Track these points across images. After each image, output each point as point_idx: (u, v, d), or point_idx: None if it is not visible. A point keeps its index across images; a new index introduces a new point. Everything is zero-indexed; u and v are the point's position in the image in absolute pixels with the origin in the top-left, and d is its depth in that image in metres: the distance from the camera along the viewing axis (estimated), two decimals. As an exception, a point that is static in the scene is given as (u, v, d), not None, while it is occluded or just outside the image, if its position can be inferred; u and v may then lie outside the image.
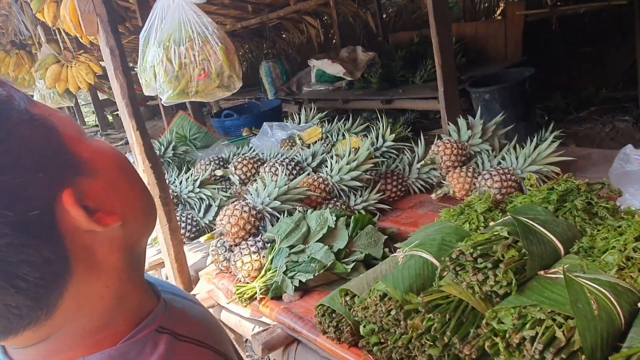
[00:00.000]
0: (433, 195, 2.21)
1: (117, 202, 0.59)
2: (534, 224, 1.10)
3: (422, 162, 2.29)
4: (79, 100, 9.48)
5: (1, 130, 0.49)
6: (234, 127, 5.01)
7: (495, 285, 0.98)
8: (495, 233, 1.07)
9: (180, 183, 2.57)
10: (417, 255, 1.24)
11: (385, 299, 1.15)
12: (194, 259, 2.20)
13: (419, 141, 2.46)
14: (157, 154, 3.38)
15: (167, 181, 2.72)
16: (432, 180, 2.34)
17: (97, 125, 8.53)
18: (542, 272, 1.01)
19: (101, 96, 8.37)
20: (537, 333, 0.86)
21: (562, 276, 0.99)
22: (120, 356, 0.57)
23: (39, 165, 0.51)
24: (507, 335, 0.89)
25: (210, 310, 2.01)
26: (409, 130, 3.61)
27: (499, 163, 2.16)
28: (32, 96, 3.85)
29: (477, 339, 0.96)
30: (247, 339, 2.20)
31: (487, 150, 2.28)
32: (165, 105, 1.88)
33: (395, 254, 1.40)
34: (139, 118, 1.75)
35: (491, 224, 1.24)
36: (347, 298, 1.33)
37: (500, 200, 1.48)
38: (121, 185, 0.61)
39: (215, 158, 2.91)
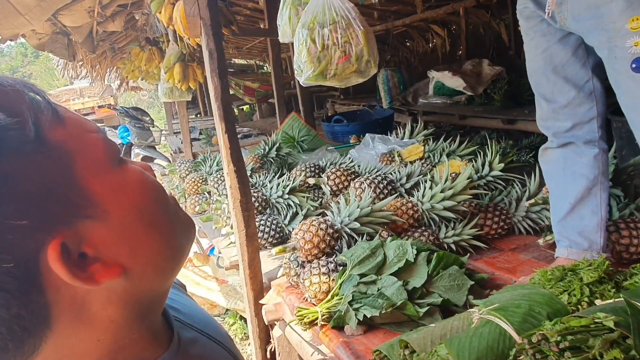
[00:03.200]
0: (541, 241, 1.90)
1: (124, 251, 0.51)
2: (656, 316, 0.83)
3: (533, 200, 1.98)
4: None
5: None
6: (342, 133, 4.98)
7: (586, 392, 0.75)
8: (597, 320, 0.82)
9: (272, 188, 2.57)
10: (494, 322, 1.02)
11: (445, 368, 0.97)
12: (271, 266, 2.17)
13: (533, 173, 2.15)
14: (262, 153, 3.48)
15: (260, 183, 2.76)
16: (542, 222, 2.02)
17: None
18: (657, 387, 0.75)
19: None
20: None
21: (688, 399, 0.73)
22: None
23: (25, 210, 0.44)
24: None
25: (276, 324, 1.96)
26: (530, 155, 3.23)
27: (631, 214, 1.78)
28: (157, 88, 4.25)
29: None
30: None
31: (619, 197, 1.89)
32: (303, 85, 1.90)
33: (471, 310, 1.19)
34: (229, 122, 1.76)
35: (597, 302, 0.98)
36: (407, 351, 1.17)
37: (616, 269, 1.18)
38: (135, 232, 0.52)
39: (312, 165, 2.87)
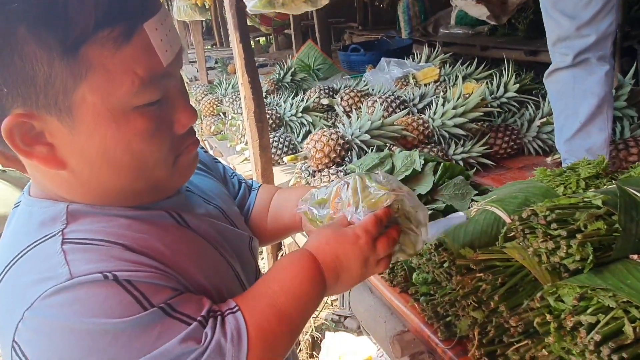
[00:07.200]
0: (549, 159, 1.93)
1: (73, 158, 0.56)
2: (644, 198, 0.87)
3: (545, 119, 1.99)
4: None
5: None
6: (359, 62, 4.89)
7: (567, 259, 0.81)
8: (585, 199, 0.87)
9: (285, 107, 2.59)
10: (490, 210, 1.08)
11: (440, 249, 1.05)
12: (284, 178, 2.25)
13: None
14: (277, 77, 3.47)
15: (275, 102, 2.79)
16: (552, 141, 2.03)
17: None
18: (635, 257, 0.81)
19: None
20: (597, 321, 0.70)
21: (661, 266, 0.78)
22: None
23: (10, 83, 0.51)
24: (562, 316, 0.74)
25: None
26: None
27: (643, 133, 1.79)
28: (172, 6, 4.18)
29: (528, 313, 0.82)
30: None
31: (632, 117, 1.89)
32: (250, 12, 1.82)
33: (471, 208, 1.26)
34: (244, 31, 1.77)
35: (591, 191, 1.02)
36: (407, 243, 1.24)
37: (615, 169, 1.22)
38: (90, 158, 0.57)
39: (326, 87, 2.87)
